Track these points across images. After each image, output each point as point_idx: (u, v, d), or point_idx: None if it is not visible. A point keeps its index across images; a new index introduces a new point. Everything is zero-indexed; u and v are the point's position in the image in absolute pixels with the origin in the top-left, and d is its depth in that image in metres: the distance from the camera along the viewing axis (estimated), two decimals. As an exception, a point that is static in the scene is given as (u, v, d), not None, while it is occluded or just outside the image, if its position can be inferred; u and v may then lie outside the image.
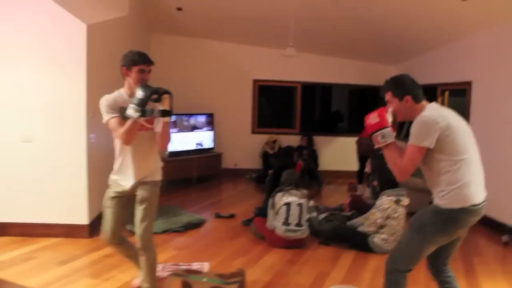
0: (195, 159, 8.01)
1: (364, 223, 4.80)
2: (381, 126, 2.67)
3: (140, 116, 2.91)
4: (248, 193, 7.64)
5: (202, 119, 8.43)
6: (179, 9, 7.15)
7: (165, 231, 5.14)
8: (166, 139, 3.20)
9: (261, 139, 9.07)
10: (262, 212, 5.30)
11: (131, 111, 2.89)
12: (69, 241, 4.70)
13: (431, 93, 7.62)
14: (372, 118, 2.70)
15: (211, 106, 8.74)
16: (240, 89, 9.10)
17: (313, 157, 8.58)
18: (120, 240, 3.36)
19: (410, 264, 2.74)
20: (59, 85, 4.72)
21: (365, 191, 7.60)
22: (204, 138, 8.45)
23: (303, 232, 4.77)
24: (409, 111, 2.72)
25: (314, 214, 5.43)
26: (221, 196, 7.47)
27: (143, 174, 3.28)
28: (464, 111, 6.66)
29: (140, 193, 3.27)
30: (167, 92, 2.99)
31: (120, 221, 3.33)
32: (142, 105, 2.89)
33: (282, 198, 4.83)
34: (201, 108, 8.62)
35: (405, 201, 4.72)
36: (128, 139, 3.05)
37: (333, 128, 9.93)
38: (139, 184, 3.27)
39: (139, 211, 3.24)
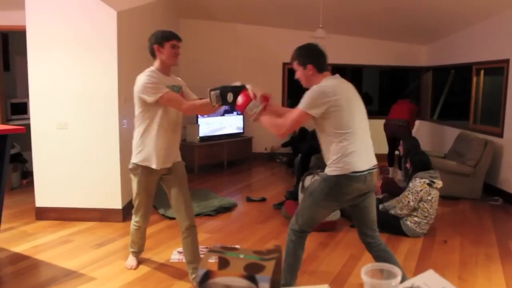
0: (225, 144, 8.06)
1: (397, 206, 4.75)
2: (247, 102, 2.84)
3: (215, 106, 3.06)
4: (279, 177, 7.65)
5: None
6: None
7: (197, 215, 5.19)
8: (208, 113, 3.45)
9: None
10: (293, 196, 5.30)
11: (214, 98, 2.97)
12: (104, 224, 4.82)
13: (466, 72, 7.42)
14: (239, 100, 2.87)
15: (240, 90, 8.74)
16: (270, 72, 9.06)
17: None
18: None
19: (305, 226, 3.02)
20: (91, 72, 4.81)
21: (396, 174, 7.51)
22: (234, 123, 8.49)
23: (335, 214, 4.75)
24: (311, 78, 2.93)
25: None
26: (252, 180, 7.51)
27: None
28: (500, 91, 6.48)
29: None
30: (243, 87, 3.00)
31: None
32: (225, 103, 2.99)
33: (312, 181, 4.81)
34: (230, 92, 8.63)
35: (439, 183, 4.64)
36: (192, 111, 3.38)
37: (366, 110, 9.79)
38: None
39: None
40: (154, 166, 3.30)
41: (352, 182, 2.83)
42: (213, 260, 0.96)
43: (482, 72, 7.25)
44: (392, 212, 4.77)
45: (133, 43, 5.33)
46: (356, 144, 2.83)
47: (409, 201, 4.60)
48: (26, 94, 5.16)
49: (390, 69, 9.65)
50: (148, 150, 3.27)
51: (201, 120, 7.82)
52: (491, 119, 6.62)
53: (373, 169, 2.96)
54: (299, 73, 3.00)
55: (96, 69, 4.80)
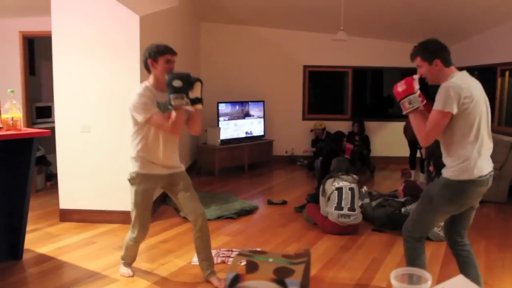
0: (246, 147, 8.07)
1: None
2: (408, 92, 2.76)
3: (188, 103, 3.03)
4: (299, 180, 7.63)
5: (253, 106, 8.46)
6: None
7: (218, 218, 5.22)
8: (199, 124, 3.32)
9: (312, 125, 9.01)
10: (314, 199, 5.28)
11: (178, 100, 2.97)
12: (127, 227, 4.80)
13: (490, 73, 7.30)
14: (399, 86, 2.80)
15: (261, 93, 8.76)
16: (290, 75, 9.05)
17: (365, 143, 8.44)
18: None
19: (422, 232, 2.94)
20: (115, 76, 4.86)
21: (418, 177, 7.42)
22: (255, 126, 8.49)
23: (357, 217, 4.71)
24: (438, 74, 2.78)
25: (367, 200, 5.36)
26: (272, 183, 7.50)
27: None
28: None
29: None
30: (198, 80, 3.07)
31: None
32: (185, 91, 2.99)
33: (333, 184, 4.79)
34: (251, 95, 8.65)
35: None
36: (178, 129, 3.14)
37: (384, 113, 9.68)
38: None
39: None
40: (154, 171, 3.30)
41: (476, 187, 2.72)
42: (242, 263, 0.96)
43: (507, 73, 7.12)
44: (415, 215, 4.71)
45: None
46: (481, 147, 2.72)
47: (432, 205, 4.53)
48: (51, 98, 5.25)
49: (411, 71, 9.51)
50: (146, 158, 3.26)
51: (222, 123, 7.85)
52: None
53: (492, 171, 2.83)
54: (425, 69, 2.83)
55: (120, 72, 4.86)
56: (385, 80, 10.14)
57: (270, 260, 0.94)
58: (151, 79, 3.28)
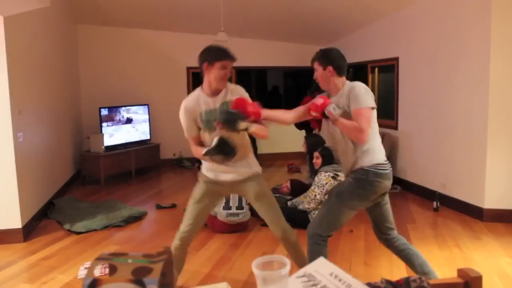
0: (132, 152, 7.84)
1: (304, 201, 4.90)
2: (328, 102, 2.80)
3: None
4: (189, 182, 7.57)
5: (137, 110, 8.24)
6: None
7: (105, 227, 5.02)
8: (264, 133, 3.07)
9: (199, 127, 9.00)
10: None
11: (208, 155, 2.90)
12: (2, 247, 4.48)
13: (362, 70, 7.84)
14: (317, 101, 2.83)
15: (145, 96, 8.57)
16: (174, 77, 8.96)
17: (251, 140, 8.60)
18: None
19: (328, 230, 3.01)
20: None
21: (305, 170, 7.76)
22: (140, 130, 8.28)
23: (245, 214, 4.80)
24: (329, 81, 2.94)
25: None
26: (161, 187, 7.38)
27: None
28: (393, 86, 6.92)
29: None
30: (239, 119, 2.84)
31: None
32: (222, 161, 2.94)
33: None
34: (135, 99, 8.43)
35: (342, 176, 4.84)
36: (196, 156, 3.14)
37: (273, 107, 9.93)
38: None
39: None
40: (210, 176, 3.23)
41: (382, 180, 2.86)
42: (100, 268, 0.92)
43: (377, 69, 7.70)
44: (301, 207, 4.91)
45: (27, 51, 5.03)
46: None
47: (315, 195, 4.77)
48: None
49: (294, 70, 9.94)
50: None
51: (106, 129, 7.54)
52: (387, 113, 7.05)
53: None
54: (319, 73, 2.98)
55: (-17, 79, 4.47)
56: (269, 79, 10.46)
57: (130, 261, 0.92)
58: (205, 84, 3.09)
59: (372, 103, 2.80)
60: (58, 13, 6.71)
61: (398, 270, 3.77)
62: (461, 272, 1.45)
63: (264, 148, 9.04)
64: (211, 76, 3.00)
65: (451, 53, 5.54)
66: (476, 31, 5.10)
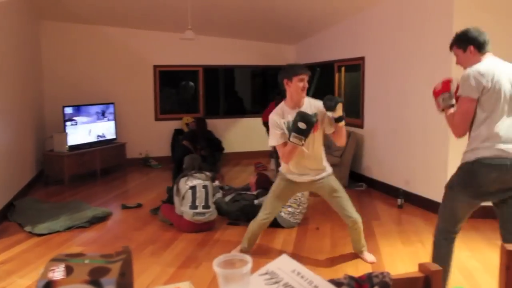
0: (97, 152, 7.68)
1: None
2: (442, 91, 2.87)
3: (303, 144, 3.37)
4: (155, 181, 7.50)
5: (102, 109, 8.08)
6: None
7: (68, 228, 4.90)
8: (343, 137, 3.60)
9: (167, 126, 8.92)
10: (169, 199, 5.22)
11: (296, 140, 3.32)
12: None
13: (329, 69, 7.91)
14: (437, 86, 2.93)
15: (111, 95, 8.42)
16: (141, 76, 8.83)
17: (212, 140, 8.55)
18: None
19: (449, 223, 2.90)
20: None
21: (269, 164, 7.84)
22: (106, 129, 8.13)
23: (211, 214, 4.78)
24: (471, 61, 2.81)
25: (219, 195, 5.46)
26: (127, 186, 7.26)
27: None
28: (359, 85, 7.02)
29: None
30: (340, 101, 3.36)
31: None
32: (306, 134, 3.30)
33: (187, 183, 4.79)
34: (101, 98, 8.27)
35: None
36: (287, 160, 3.57)
37: (237, 110, 9.94)
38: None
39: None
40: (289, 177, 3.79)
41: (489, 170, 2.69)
42: (56, 269, 0.89)
43: (343, 69, 7.79)
44: (267, 206, 4.91)
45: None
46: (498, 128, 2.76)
47: (282, 193, 4.77)
48: None
49: (261, 69, 9.95)
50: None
51: (70, 128, 7.37)
52: (353, 112, 7.14)
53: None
54: (460, 57, 2.90)
55: None
56: (236, 78, 10.44)
57: (86, 261, 0.90)
58: (288, 97, 3.61)
59: (468, 94, 2.70)
60: (19, 8, 6.51)
61: (364, 266, 3.83)
62: (421, 267, 1.49)
63: (231, 147, 9.04)
64: (291, 89, 3.54)
65: (413, 52, 5.66)
66: (437, 31, 5.21)
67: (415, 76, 5.67)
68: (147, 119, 8.91)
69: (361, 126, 6.95)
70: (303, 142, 3.33)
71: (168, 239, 4.58)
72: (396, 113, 6.07)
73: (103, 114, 8.08)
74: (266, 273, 1.09)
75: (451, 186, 2.87)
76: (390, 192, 6.13)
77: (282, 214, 4.80)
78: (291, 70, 3.52)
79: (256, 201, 5.12)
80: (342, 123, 3.47)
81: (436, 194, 5.31)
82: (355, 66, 7.19)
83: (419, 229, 4.84)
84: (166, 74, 9.12)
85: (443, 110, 2.89)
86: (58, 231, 4.81)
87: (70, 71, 8.28)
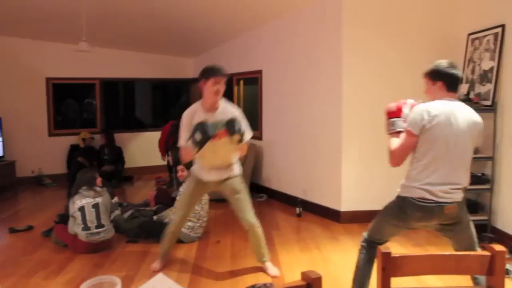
0: (-18, 171, 7.10)
1: (170, 213, 4.84)
2: (394, 115, 2.83)
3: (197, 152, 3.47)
4: (49, 200, 7.06)
5: (-13, 125, 7.48)
6: None
7: None
8: (243, 151, 3.82)
9: (62, 141, 8.48)
10: (63, 219, 4.94)
11: (191, 146, 3.43)
12: None
13: (228, 82, 8.00)
14: (391, 107, 2.86)
15: (-3, 109, 7.84)
16: (32, 89, 8.30)
17: (117, 153, 8.36)
18: None
19: (375, 237, 2.96)
20: None
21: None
22: (-8, 146, 7.54)
23: (107, 232, 4.57)
24: (436, 95, 2.79)
25: (118, 212, 5.27)
26: (17, 208, 6.74)
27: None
28: (257, 98, 7.18)
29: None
30: (238, 134, 3.47)
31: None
32: (199, 145, 3.38)
33: (76, 202, 4.56)
34: (-15, 112, 7.67)
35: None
36: (187, 159, 3.71)
37: (137, 124, 9.70)
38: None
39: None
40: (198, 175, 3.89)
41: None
42: None
43: (242, 82, 7.92)
44: (167, 220, 4.82)
45: None
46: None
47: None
48: None
49: (161, 82, 9.83)
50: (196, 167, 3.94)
51: None
52: (252, 124, 7.24)
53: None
54: (427, 87, 2.87)
55: None
56: (137, 91, 10.20)
57: None
58: (203, 99, 3.66)
59: (409, 127, 2.72)
60: None
61: (264, 278, 3.89)
62: (304, 275, 1.56)
63: (132, 162, 8.80)
64: (205, 92, 3.60)
65: (308, 66, 5.91)
66: (329, 46, 5.50)
67: (308, 90, 5.92)
68: (39, 135, 8.39)
69: (260, 138, 7.10)
70: (197, 150, 3.43)
71: (62, 262, 4.32)
72: (292, 126, 6.30)
73: (-12, 130, 7.48)
74: (141, 294, 1.07)
75: (386, 208, 2.93)
76: (289, 202, 6.31)
77: (183, 229, 4.73)
78: (209, 72, 3.57)
79: (155, 217, 5.02)
80: (242, 143, 3.59)
81: (332, 202, 5.59)
82: (253, 79, 7.35)
83: (317, 236, 5.03)
84: (61, 87, 8.66)
85: (390, 133, 2.86)
86: None
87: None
